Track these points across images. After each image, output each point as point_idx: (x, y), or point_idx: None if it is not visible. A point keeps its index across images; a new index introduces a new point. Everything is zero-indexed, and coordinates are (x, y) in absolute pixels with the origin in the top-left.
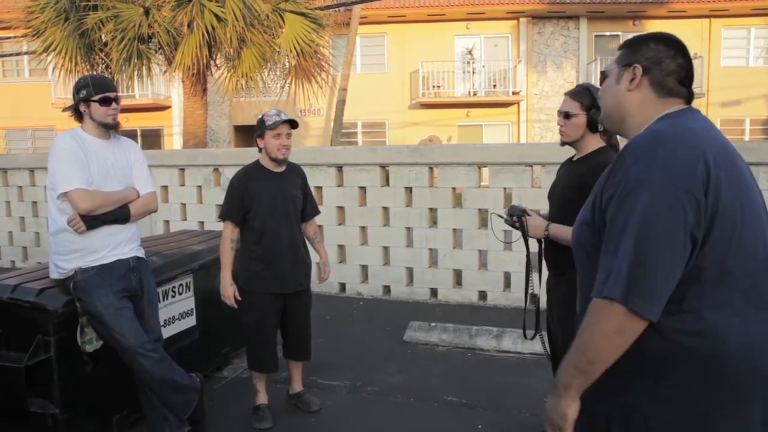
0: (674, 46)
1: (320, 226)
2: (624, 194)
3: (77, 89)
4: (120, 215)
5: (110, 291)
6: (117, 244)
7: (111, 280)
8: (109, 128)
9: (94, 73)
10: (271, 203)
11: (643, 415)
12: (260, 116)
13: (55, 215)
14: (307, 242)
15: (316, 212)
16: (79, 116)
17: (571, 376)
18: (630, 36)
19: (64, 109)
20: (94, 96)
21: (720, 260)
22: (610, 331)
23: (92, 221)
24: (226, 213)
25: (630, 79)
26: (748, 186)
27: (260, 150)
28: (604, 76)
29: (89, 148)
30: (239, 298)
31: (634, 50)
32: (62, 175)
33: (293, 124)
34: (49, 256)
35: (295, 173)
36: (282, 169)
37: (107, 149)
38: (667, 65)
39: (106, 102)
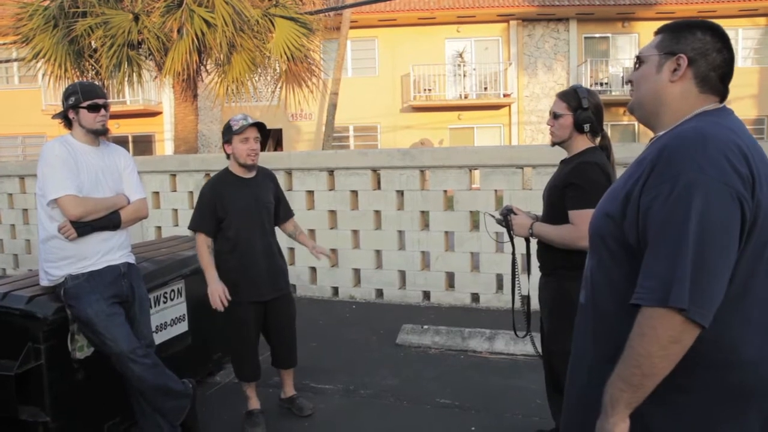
0: (721, 38)
1: (312, 230)
2: (676, 195)
3: (66, 96)
4: (111, 222)
5: (101, 297)
6: (107, 251)
7: (101, 287)
8: (98, 135)
9: (84, 79)
10: (244, 211)
11: (645, 417)
12: (227, 122)
13: (44, 222)
14: (282, 249)
15: (291, 214)
16: (68, 123)
17: (621, 390)
18: (619, 38)
19: (54, 116)
20: (82, 103)
21: (748, 270)
22: (666, 340)
23: (83, 228)
24: (197, 224)
25: (673, 69)
26: None
27: (228, 156)
28: (639, 61)
29: (79, 155)
30: (230, 297)
31: (678, 38)
32: (52, 182)
33: (261, 127)
34: (39, 263)
35: (266, 178)
36: (252, 174)
37: (97, 156)
38: (714, 59)
39: (94, 109)
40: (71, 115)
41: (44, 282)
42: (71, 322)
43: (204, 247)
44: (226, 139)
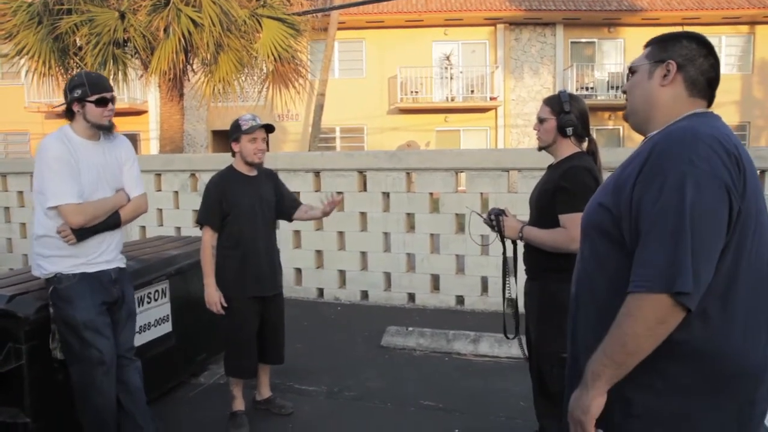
0: (706, 46)
1: (297, 232)
2: (668, 187)
3: (71, 87)
4: (111, 223)
5: (92, 304)
6: (102, 251)
7: (93, 292)
8: (104, 130)
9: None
10: (249, 207)
11: (625, 398)
12: (235, 120)
13: (41, 219)
14: (278, 246)
15: (298, 204)
16: (71, 116)
17: (604, 365)
18: (605, 43)
19: (56, 107)
20: (90, 96)
21: (733, 261)
22: (653, 321)
23: (83, 233)
24: (204, 218)
25: (663, 74)
26: (760, 200)
27: (234, 154)
28: (632, 71)
29: (79, 152)
30: (225, 304)
31: (665, 47)
32: (52, 187)
33: (269, 128)
34: (32, 256)
35: (267, 177)
36: (255, 173)
37: (97, 151)
38: (701, 64)
39: (102, 103)
40: (76, 107)
41: (36, 272)
42: (53, 320)
43: (208, 247)
44: (234, 137)
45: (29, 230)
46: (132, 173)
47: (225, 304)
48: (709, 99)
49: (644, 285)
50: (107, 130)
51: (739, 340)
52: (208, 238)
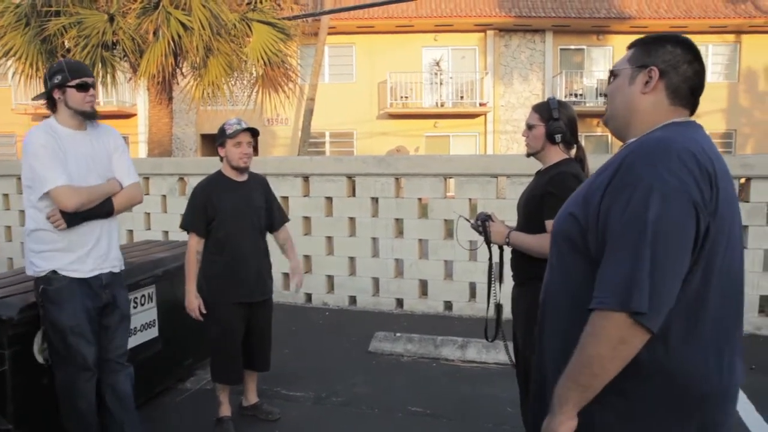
0: (691, 50)
1: None
2: (635, 201)
3: (51, 75)
4: (102, 210)
5: (80, 308)
6: (94, 245)
7: (83, 297)
8: (87, 117)
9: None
10: (235, 213)
11: (593, 425)
12: (221, 125)
13: (32, 214)
14: (269, 252)
15: (285, 220)
16: (52, 106)
17: (569, 388)
18: (594, 50)
19: (35, 97)
20: (70, 81)
21: (700, 285)
22: (616, 341)
23: (72, 218)
24: (189, 223)
25: (645, 81)
26: (735, 214)
27: (221, 159)
28: (613, 75)
29: (65, 142)
30: (204, 311)
31: (649, 51)
32: (42, 174)
33: (254, 132)
34: (25, 254)
35: (257, 183)
36: (244, 178)
37: (84, 141)
38: (685, 71)
39: (83, 88)
40: (56, 95)
41: (30, 272)
42: (42, 321)
43: (193, 253)
44: (220, 142)
45: (15, 233)
46: (123, 162)
47: (204, 311)
48: (692, 107)
49: (603, 302)
50: (90, 117)
51: (704, 362)
52: (194, 243)
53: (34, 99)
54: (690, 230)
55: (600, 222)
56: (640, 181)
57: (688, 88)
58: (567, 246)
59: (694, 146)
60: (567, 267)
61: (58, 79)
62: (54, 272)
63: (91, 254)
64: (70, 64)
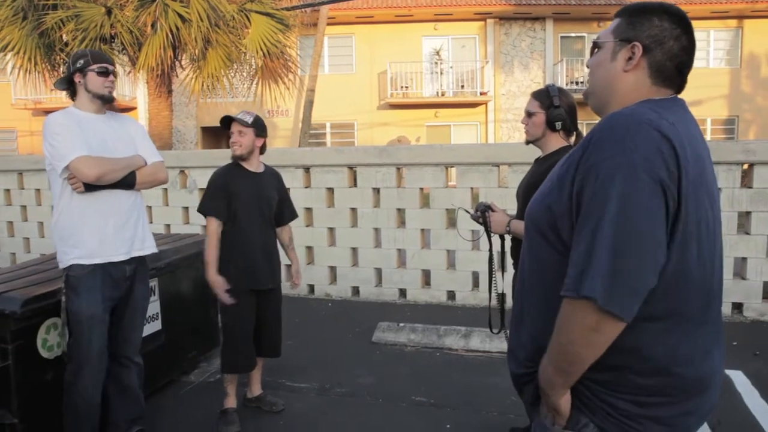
0: (680, 23)
1: None
2: (599, 179)
3: (74, 60)
4: (124, 180)
5: (100, 299)
6: (125, 238)
7: (103, 286)
8: (105, 101)
9: (55, 74)
10: (247, 202)
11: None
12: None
13: (57, 198)
14: (279, 246)
15: (294, 216)
16: (72, 92)
17: (553, 374)
18: (595, 37)
19: (56, 82)
20: (92, 65)
21: (676, 269)
22: (585, 329)
23: (91, 184)
24: (210, 209)
25: (627, 57)
26: (711, 197)
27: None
28: (596, 46)
29: (85, 124)
30: (229, 286)
31: (634, 23)
32: (62, 148)
33: (240, 122)
34: (55, 245)
35: (272, 176)
36: (259, 169)
37: (104, 124)
38: (670, 47)
39: (104, 73)
40: (77, 78)
41: (61, 265)
42: (62, 309)
43: (214, 238)
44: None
45: (17, 228)
46: (145, 143)
47: (229, 286)
48: (678, 86)
49: (567, 288)
50: (108, 101)
51: (684, 347)
52: (214, 227)
53: (54, 85)
54: (657, 210)
55: (574, 205)
56: (605, 160)
57: (674, 66)
58: (537, 234)
59: (663, 123)
60: (537, 251)
61: (80, 63)
62: (77, 259)
63: (111, 246)
64: (93, 52)
